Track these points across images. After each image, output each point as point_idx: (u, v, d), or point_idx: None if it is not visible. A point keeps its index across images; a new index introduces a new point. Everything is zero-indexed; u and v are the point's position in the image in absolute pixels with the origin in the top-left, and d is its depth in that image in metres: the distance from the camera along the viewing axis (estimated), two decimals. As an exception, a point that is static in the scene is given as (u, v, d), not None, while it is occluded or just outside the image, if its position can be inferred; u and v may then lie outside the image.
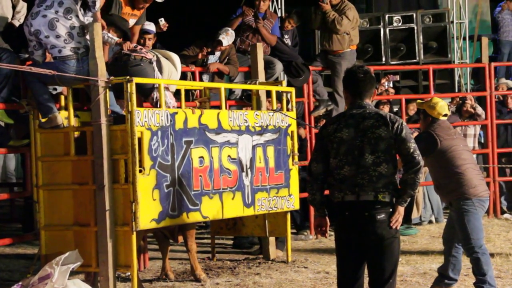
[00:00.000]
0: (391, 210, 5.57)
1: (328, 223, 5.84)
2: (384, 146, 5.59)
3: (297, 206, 10.05)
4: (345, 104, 6.21)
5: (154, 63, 8.74)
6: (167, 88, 8.77)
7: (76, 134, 8.19)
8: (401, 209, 5.60)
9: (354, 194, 5.58)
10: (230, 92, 10.83)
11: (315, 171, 5.76)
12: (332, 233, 5.89)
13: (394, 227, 5.58)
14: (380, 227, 5.54)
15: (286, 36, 12.17)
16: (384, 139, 5.59)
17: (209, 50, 10.67)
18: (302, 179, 10.39)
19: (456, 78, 15.36)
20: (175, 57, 9.16)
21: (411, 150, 5.61)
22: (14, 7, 9.39)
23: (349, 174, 5.60)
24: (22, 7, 9.30)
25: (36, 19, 7.98)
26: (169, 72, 8.99)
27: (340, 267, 5.77)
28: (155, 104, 8.46)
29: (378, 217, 5.54)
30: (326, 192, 5.76)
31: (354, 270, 5.68)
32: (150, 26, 9.77)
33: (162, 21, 10.31)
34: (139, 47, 8.87)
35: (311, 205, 6.08)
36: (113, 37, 8.63)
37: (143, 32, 9.65)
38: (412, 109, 12.53)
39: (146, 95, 8.66)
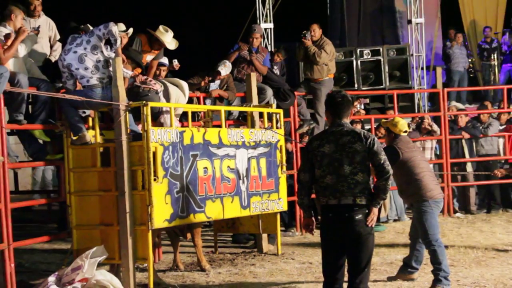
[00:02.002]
0: (367, 211, 5.56)
1: (315, 223, 5.83)
2: (360, 158, 5.58)
3: (285, 207, 10.02)
4: (326, 122, 6.18)
5: (161, 93, 8.77)
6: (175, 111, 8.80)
7: (101, 149, 8.17)
8: (375, 210, 5.60)
9: (336, 199, 5.57)
10: (229, 113, 10.81)
11: (303, 180, 5.75)
12: (317, 230, 5.87)
13: (370, 225, 5.58)
14: (358, 225, 5.54)
15: (275, 67, 12.17)
16: (360, 152, 5.59)
17: (210, 78, 10.68)
18: (289, 185, 10.38)
19: (416, 101, 15.34)
20: (184, 84, 9.19)
21: (382, 161, 5.61)
22: (51, 46, 9.44)
23: (331, 182, 5.59)
24: (58, 46, 9.34)
25: (68, 54, 7.98)
26: (176, 97, 9.00)
27: (325, 259, 5.74)
28: (162, 126, 8.50)
29: (356, 217, 5.53)
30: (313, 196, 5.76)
31: (336, 260, 5.66)
32: (165, 60, 9.82)
33: (175, 62, 10.33)
34: (149, 79, 8.91)
35: (300, 208, 6.05)
36: (128, 71, 8.61)
37: (160, 64, 9.71)
38: (382, 132, 12.44)
39: (155, 118, 8.67)
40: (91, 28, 8.32)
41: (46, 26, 9.35)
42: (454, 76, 17.45)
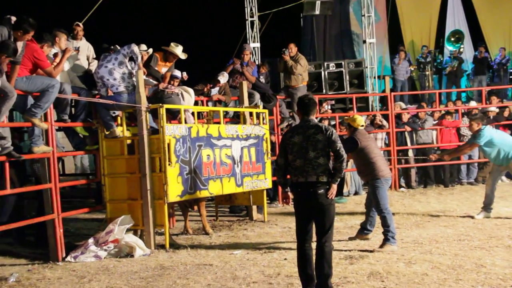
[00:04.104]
0: (327, 187, 5.54)
1: (291, 196, 5.83)
2: (321, 146, 5.55)
3: (270, 185, 10.01)
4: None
5: (180, 96, 8.75)
6: (187, 111, 8.79)
7: (128, 141, 8.16)
8: (334, 186, 5.55)
9: (304, 177, 5.54)
10: (226, 113, 10.81)
11: (280, 163, 5.74)
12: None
13: (330, 197, 5.55)
14: (320, 198, 5.50)
15: (261, 77, 12.14)
16: (321, 141, 5.56)
17: (211, 85, 10.67)
18: (274, 168, 10.38)
19: (370, 102, 15.37)
20: (191, 91, 9.16)
21: (338, 148, 5.57)
22: (89, 63, 9.40)
23: (300, 164, 5.56)
24: (94, 63, 9.31)
25: (101, 69, 7.98)
26: (188, 100, 8.99)
27: (297, 224, 5.72)
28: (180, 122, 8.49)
29: (319, 191, 5.50)
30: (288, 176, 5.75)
31: (306, 225, 5.62)
32: (178, 73, 9.76)
33: (184, 74, 10.28)
34: (169, 85, 8.90)
35: (279, 185, 6.03)
36: (153, 81, 8.67)
37: (174, 77, 9.64)
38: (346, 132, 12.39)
39: (175, 116, 8.67)
40: (118, 48, 8.30)
41: (86, 47, 9.32)
42: (397, 84, 17.53)
